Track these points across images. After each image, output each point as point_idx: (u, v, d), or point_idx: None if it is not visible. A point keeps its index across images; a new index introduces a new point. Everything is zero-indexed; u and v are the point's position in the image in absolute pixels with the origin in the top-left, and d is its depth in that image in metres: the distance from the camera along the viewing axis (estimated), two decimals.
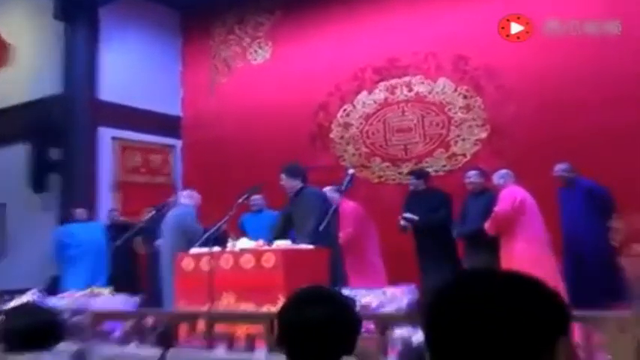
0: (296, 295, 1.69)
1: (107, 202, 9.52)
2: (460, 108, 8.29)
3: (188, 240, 6.18)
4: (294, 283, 3.94)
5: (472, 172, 6.70)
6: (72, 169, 9.27)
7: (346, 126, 9.11)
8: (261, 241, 5.37)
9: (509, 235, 6.10)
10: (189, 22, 11.00)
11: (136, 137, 10.19)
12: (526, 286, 1.03)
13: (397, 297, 4.44)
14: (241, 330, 4.66)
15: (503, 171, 6.43)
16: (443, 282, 1.07)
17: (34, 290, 5.98)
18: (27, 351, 2.39)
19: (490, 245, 6.16)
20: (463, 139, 8.23)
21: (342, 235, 6.38)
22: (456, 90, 8.34)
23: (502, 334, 0.96)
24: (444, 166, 8.28)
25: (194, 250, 5.64)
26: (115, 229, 8.57)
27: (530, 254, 5.86)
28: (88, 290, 6.11)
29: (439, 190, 7.04)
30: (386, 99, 8.85)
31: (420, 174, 7.26)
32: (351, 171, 6.53)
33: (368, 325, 3.90)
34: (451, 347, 1.00)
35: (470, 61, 8.20)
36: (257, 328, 4.41)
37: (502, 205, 6.14)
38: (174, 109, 10.70)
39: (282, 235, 5.67)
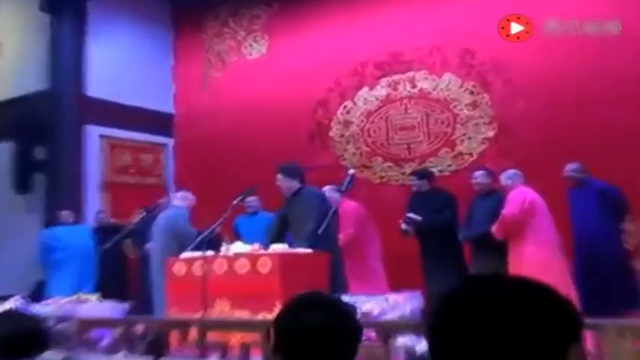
0: (293, 302, 1.68)
1: (95, 203, 9.51)
2: (466, 105, 8.30)
3: (180, 243, 6.18)
4: (291, 290, 3.93)
5: (479, 173, 6.70)
6: (58, 168, 9.27)
7: (346, 124, 9.10)
8: (256, 245, 5.37)
9: (519, 239, 6.09)
10: (181, 14, 10.99)
11: (125, 135, 10.18)
12: (536, 292, 1.03)
13: (400, 304, 4.44)
14: (235, 338, 4.66)
15: (512, 171, 6.42)
16: (448, 288, 1.06)
17: (17, 296, 5.97)
18: None
19: (498, 249, 6.15)
20: (469, 138, 8.23)
21: (342, 236, 6.37)
22: (461, 86, 8.35)
23: (510, 341, 0.96)
24: (449, 165, 8.28)
25: (186, 254, 5.64)
26: (103, 232, 8.57)
27: (540, 258, 5.85)
28: (75, 296, 6.11)
29: (444, 191, 7.03)
30: (388, 95, 8.85)
31: (423, 174, 7.26)
32: (351, 171, 6.54)
33: (369, 334, 3.90)
34: (456, 354, 0.99)
35: (477, 55, 8.20)
36: (252, 337, 4.40)
37: (510, 208, 6.13)
38: (165, 105, 10.70)
39: (278, 239, 5.66)
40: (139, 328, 4.82)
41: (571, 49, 7.47)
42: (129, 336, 4.84)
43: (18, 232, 9.17)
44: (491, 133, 8.09)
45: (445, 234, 6.67)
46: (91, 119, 9.71)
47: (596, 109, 7.27)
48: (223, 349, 4.54)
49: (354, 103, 9.07)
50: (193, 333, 4.73)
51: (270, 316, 4.17)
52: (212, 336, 4.67)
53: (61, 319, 5.14)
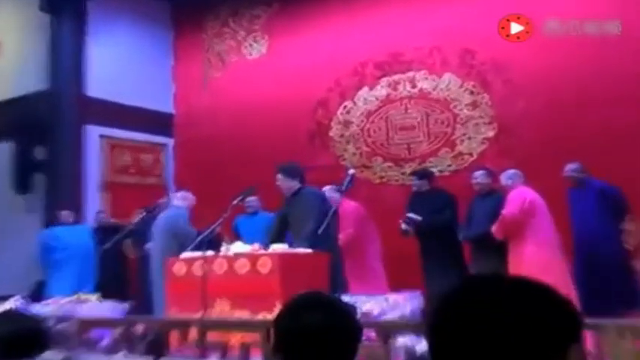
0: (293, 302, 1.68)
1: (95, 203, 9.51)
2: (466, 105, 8.30)
3: (180, 243, 6.18)
4: (291, 290, 3.93)
5: (479, 173, 6.70)
6: (58, 168, 9.27)
7: (346, 124, 9.10)
8: (256, 245, 5.37)
9: (519, 239, 6.09)
10: (181, 14, 10.99)
11: (125, 135, 10.18)
12: (536, 292, 1.03)
13: (400, 304, 4.44)
14: (235, 338, 4.66)
15: (512, 171, 6.42)
16: (448, 288, 1.06)
17: (17, 297, 5.97)
18: None
19: (498, 249, 6.15)
20: (469, 138, 8.23)
21: (342, 236, 6.37)
22: (462, 86, 8.35)
23: (510, 341, 0.96)
24: (449, 165, 8.28)
25: (186, 254, 5.64)
26: (103, 232, 8.57)
27: (540, 258, 5.85)
28: (75, 296, 6.11)
29: (444, 191, 7.03)
30: (388, 95, 8.85)
31: (423, 174, 7.26)
32: (351, 171, 6.53)
33: (369, 334, 3.90)
34: (456, 354, 0.99)
35: (477, 55, 8.20)
36: (252, 337, 4.40)
37: (510, 208, 6.13)
38: (165, 105, 10.70)
39: (278, 239, 5.66)
40: (139, 328, 4.82)
41: (571, 49, 7.47)
42: (129, 336, 4.84)
43: (18, 232, 9.17)
44: (491, 133, 8.09)
45: (445, 234, 6.67)
46: (91, 119, 9.71)
47: (596, 109, 7.28)
48: (223, 349, 4.54)
49: (354, 103, 9.07)
50: (193, 333, 4.73)
51: (270, 316, 4.17)
52: (212, 336, 4.67)
53: (61, 319, 5.14)
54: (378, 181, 8.75)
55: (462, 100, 8.33)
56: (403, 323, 4.19)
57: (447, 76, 8.45)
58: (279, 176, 5.85)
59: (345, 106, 9.13)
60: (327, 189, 6.58)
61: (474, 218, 6.56)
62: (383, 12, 8.87)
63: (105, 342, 5.01)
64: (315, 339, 1.57)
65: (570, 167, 6.57)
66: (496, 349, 0.96)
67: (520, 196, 6.17)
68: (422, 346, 3.63)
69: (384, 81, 8.87)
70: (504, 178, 6.40)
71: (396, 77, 8.80)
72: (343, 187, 6.32)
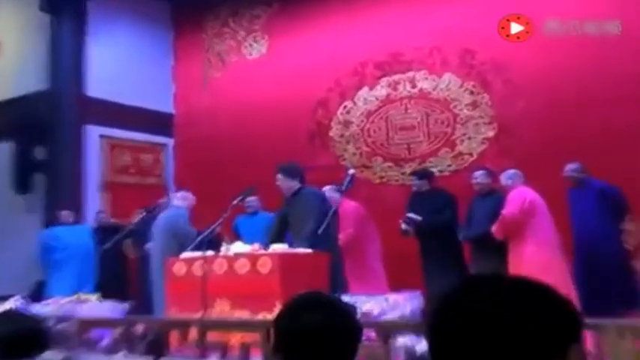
0: (293, 302, 1.68)
1: (95, 203, 9.51)
2: (466, 105, 8.30)
3: (180, 243, 6.19)
4: (291, 290, 3.93)
5: (479, 173, 6.70)
6: (57, 168, 9.27)
7: (346, 124, 9.10)
8: (256, 245, 5.37)
9: (519, 239, 6.09)
10: (181, 14, 10.99)
11: (125, 135, 10.18)
12: (536, 292, 1.03)
13: (400, 304, 4.44)
14: (235, 338, 4.66)
15: (512, 171, 6.42)
16: (448, 288, 1.06)
17: (17, 296, 5.97)
18: None
19: (498, 249, 6.15)
20: (469, 138, 8.23)
21: (341, 236, 6.37)
22: (462, 86, 8.35)
23: (510, 341, 0.96)
24: (449, 165, 8.28)
25: (186, 254, 5.64)
26: (103, 232, 8.57)
27: (540, 258, 5.85)
28: (75, 296, 6.11)
29: (444, 191, 7.03)
30: (388, 95, 8.85)
31: (422, 174, 7.26)
32: (351, 171, 6.54)
33: (369, 334, 3.90)
34: (456, 353, 1.00)
35: (477, 55, 8.20)
36: (252, 337, 4.40)
37: (510, 208, 6.13)
38: (165, 105, 10.70)
39: (278, 239, 5.66)
40: (139, 328, 4.82)
41: (571, 49, 7.48)
42: (129, 336, 4.84)
43: (18, 232, 9.17)
44: (491, 133, 8.09)
45: (445, 234, 6.67)
46: (91, 119, 9.71)
47: (596, 109, 7.28)
48: (223, 349, 4.54)
49: (354, 103, 9.07)
50: (193, 333, 4.73)
51: (270, 316, 4.18)
52: (212, 336, 4.67)
53: (61, 319, 5.14)
54: (378, 181, 8.75)
55: (462, 100, 8.33)
56: (403, 323, 4.19)
57: (447, 76, 8.45)
58: (279, 176, 5.85)
59: (345, 106, 9.13)
60: (327, 189, 6.58)
61: (473, 218, 6.56)
62: (383, 12, 8.87)
63: (105, 342, 5.01)
64: (315, 339, 1.57)
65: (570, 167, 6.57)
66: (496, 349, 0.96)
67: (520, 196, 6.17)
68: (422, 346, 3.63)
69: (384, 81, 8.87)
70: (504, 178, 6.40)
71: (396, 77, 8.80)
72: (343, 187, 6.32)
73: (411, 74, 8.69)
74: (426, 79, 8.59)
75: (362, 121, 8.99)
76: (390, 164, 8.72)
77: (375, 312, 4.36)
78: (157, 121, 10.54)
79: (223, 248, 5.43)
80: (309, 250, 5.22)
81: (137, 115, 10.14)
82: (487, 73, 8.14)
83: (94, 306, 5.89)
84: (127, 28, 10.39)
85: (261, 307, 4.77)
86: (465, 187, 6.90)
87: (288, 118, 9.31)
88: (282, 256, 5.05)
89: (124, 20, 10.34)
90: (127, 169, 10.23)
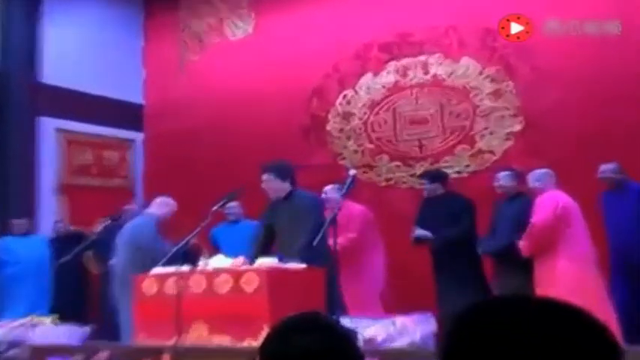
0: (283, 324, 1.66)
1: (50, 209, 9.50)
2: (488, 94, 8.30)
3: (148, 258, 6.14)
4: (281, 311, 3.91)
5: (503, 174, 6.70)
6: (7, 168, 9.25)
7: (346, 116, 9.11)
8: (240, 259, 5.35)
9: (549, 252, 6.06)
10: None
11: (85, 129, 10.17)
12: (569, 315, 1.02)
13: (409, 328, 4.44)
14: None
15: (542, 171, 6.40)
16: (465, 308, 1.06)
17: None
18: None
19: (525, 264, 6.14)
20: (491, 133, 8.24)
21: (341, 240, 6.28)
22: (482, 72, 8.35)
23: None
24: (468, 166, 8.29)
25: (157, 270, 5.62)
26: (61, 243, 8.55)
27: (574, 276, 5.83)
28: (28, 319, 6.09)
29: (460, 196, 7.03)
30: (396, 83, 8.86)
31: (435, 176, 7.25)
32: (352, 172, 6.51)
33: None
34: None
35: (500, 37, 8.20)
36: None
37: (540, 215, 6.09)
38: (133, 94, 10.69)
39: (265, 251, 5.65)
40: (102, 357, 4.81)
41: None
42: None
43: None
44: (517, 128, 8.10)
45: (462, 246, 6.66)
46: (46, 110, 9.70)
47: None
48: None
49: (356, 92, 9.08)
50: None
51: (256, 343, 4.16)
52: None
53: (12, 344, 5.14)
54: (383, 183, 8.75)
55: (482, 88, 8.34)
56: (413, 351, 4.18)
57: (465, 61, 8.45)
58: (267, 176, 5.81)
59: (344, 96, 9.14)
60: (328, 189, 6.58)
61: (497, 228, 6.55)
62: None
63: None
64: None
65: (607, 167, 6.58)
66: None
67: (552, 200, 6.13)
68: None
69: (391, 66, 8.88)
70: (532, 180, 6.38)
71: (405, 62, 8.80)
72: (343, 191, 6.30)
73: (422, 58, 8.70)
74: (441, 63, 8.60)
75: (365, 113, 8.99)
76: (397, 164, 8.72)
77: (380, 338, 4.36)
78: (123, 113, 10.54)
79: (201, 262, 5.42)
80: (303, 265, 5.20)
81: (100, 106, 10.13)
82: (512, 56, 8.14)
83: (49, 330, 5.89)
84: (88, 6, 10.39)
85: (246, 333, 4.76)
86: (485, 191, 6.90)
87: (277, 110, 9.30)
88: (270, 272, 5.04)
89: None
90: (88, 169, 10.22)
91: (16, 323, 6.00)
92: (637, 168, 6.66)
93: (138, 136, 10.77)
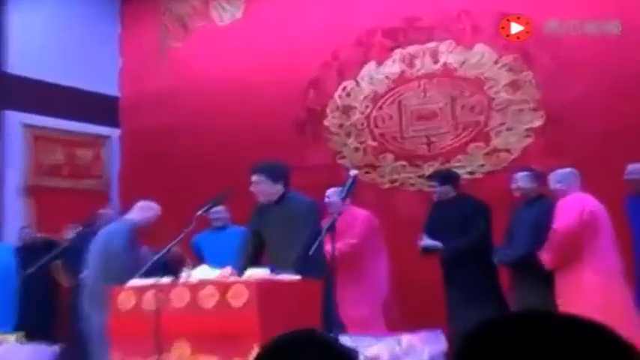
0: (274, 342, 1.66)
1: (15, 214, 9.50)
2: (504, 86, 8.32)
3: (119, 269, 6.12)
4: (273, 328, 3.91)
5: (521, 175, 6.70)
6: None
7: (346, 110, 9.11)
8: (227, 270, 5.34)
9: (574, 262, 6.05)
10: None
11: (55, 124, 10.18)
12: (594, 335, 1.02)
13: (416, 347, 4.44)
14: None
15: (565, 171, 6.39)
16: (478, 325, 1.06)
17: None
18: None
19: (546, 275, 6.14)
20: (508, 129, 8.25)
21: (339, 246, 6.28)
22: (498, 61, 8.37)
23: None
24: (482, 165, 8.30)
25: (134, 282, 5.61)
26: (28, 252, 8.54)
27: (600, 290, 5.83)
28: None
29: (473, 199, 7.03)
30: (402, 73, 8.87)
31: (445, 177, 7.25)
32: (353, 172, 6.51)
33: None
34: None
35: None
36: None
37: (564, 220, 6.07)
38: (109, 86, 10.72)
39: (256, 261, 5.64)
40: None
41: None
42: None
43: None
44: (537, 123, 8.11)
45: (475, 255, 6.66)
46: (11, 103, 9.72)
47: None
48: None
49: (357, 83, 9.09)
50: None
51: None
52: None
53: None
54: (387, 185, 8.76)
55: (498, 79, 8.35)
56: None
57: (480, 48, 8.47)
58: (258, 177, 5.80)
59: (344, 87, 9.15)
60: (331, 192, 6.58)
61: (515, 235, 6.55)
62: None
63: None
64: None
65: (634, 168, 6.58)
66: None
67: (577, 204, 6.11)
68: None
69: (397, 54, 8.90)
70: (554, 181, 6.37)
71: (412, 49, 8.82)
72: (343, 194, 6.29)
73: (432, 45, 8.72)
74: (452, 51, 8.62)
75: (367, 106, 9.00)
76: (403, 163, 8.73)
77: (384, 358, 4.35)
78: (97, 107, 10.55)
79: (184, 274, 5.41)
80: (297, 277, 5.20)
81: (72, 99, 10.15)
82: (531, 44, 8.14)
83: (13, 349, 5.88)
84: None
85: (233, 352, 4.76)
86: (502, 194, 6.91)
87: (269, 103, 9.31)
88: (260, 285, 5.03)
89: None
90: (57, 168, 10.22)
91: None
92: None
93: (113, 132, 10.79)
